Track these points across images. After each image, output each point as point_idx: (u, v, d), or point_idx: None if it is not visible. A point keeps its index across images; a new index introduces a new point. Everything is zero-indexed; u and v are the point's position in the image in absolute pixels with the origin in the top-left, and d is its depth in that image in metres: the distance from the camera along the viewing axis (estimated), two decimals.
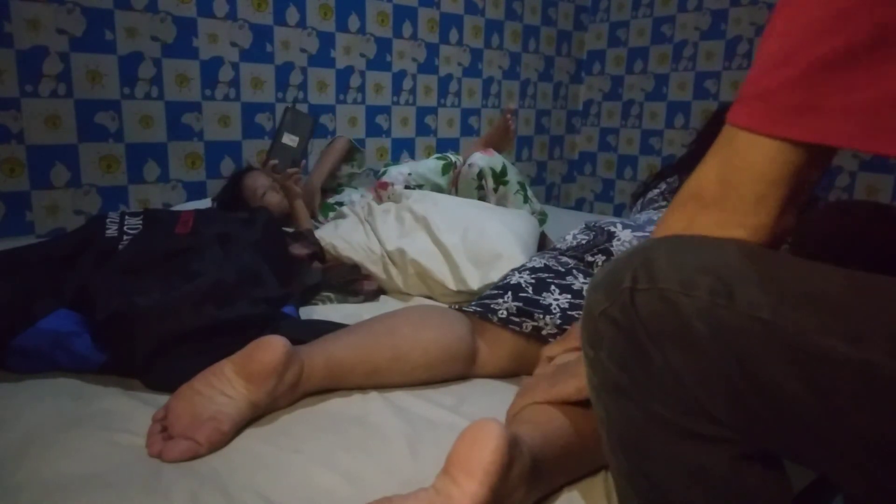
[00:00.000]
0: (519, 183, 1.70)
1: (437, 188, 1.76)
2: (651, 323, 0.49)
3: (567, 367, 0.78)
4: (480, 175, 1.67)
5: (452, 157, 1.80)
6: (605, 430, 0.57)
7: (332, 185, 2.08)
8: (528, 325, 0.97)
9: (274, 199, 1.80)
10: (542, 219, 1.72)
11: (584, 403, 0.75)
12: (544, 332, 0.97)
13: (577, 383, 0.75)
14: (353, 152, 2.10)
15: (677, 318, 0.48)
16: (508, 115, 1.91)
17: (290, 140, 1.75)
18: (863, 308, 0.43)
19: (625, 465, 0.56)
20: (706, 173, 0.53)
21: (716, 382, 0.47)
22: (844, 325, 0.43)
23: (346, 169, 2.10)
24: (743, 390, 0.46)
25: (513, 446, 0.64)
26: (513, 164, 1.75)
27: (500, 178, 1.67)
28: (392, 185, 1.68)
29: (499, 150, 1.83)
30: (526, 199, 1.69)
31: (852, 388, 0.42)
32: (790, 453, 0.49)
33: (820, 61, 0.45)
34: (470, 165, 1.69)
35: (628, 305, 0.50)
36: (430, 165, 1.77)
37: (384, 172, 1.76)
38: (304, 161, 1.82)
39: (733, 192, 0.51)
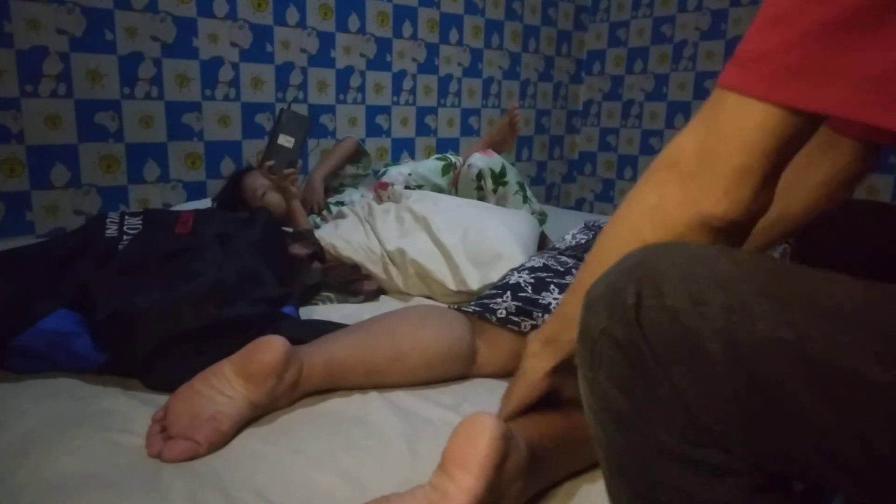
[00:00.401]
0: (518, 183, 1.70)
1: (437, 189, 1.76)
2: (658, 344, 0.44)
3: (517, 374, 0.75)
4: (479, 176, 1.67)
5: (452, 158, 1.80)
6: (603, 453, 0.52)
7: (335, 185, 2.08)
8: (528, 325, 0.98)
9: (274, 199, 1.80)
10: (541, 219, 1.72)
11: (553, 401, 0.73)
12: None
13: (523, 384, 0.71)
14: (360, 154, 2.11)
15: (688, 338, 0.43)
16: (515, 113, 1.91)
17: (285, 141, 1.76)
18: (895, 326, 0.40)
19: (625, 493, 0.52)
20: (685, 141, 0.49)
21: (730, 408, 0.43)
22: (878, 345, 0.39)
23: (350, 169, 2.10)
24: (761, 416, 0.42)
25: (507, 439, 0.64)
26: (512, 164, 1.75)
27: (499, 178, 1.67)
28: (392, 185, 1.68)
29: (499, 151, 1.83)
30: (525, 200, 1.69)
31: (888, 413, 0.39)
32: (809, 478, 0.45)
33: (826, 21, 0.41)
34: (469, 166, 1.69)
35: (633, 324, 0.45)
36: (430, 166, 1.77)
37: (384, 172, 1.76)
38: (300, 162, 1.82)
39: (714, 161, 0.46)
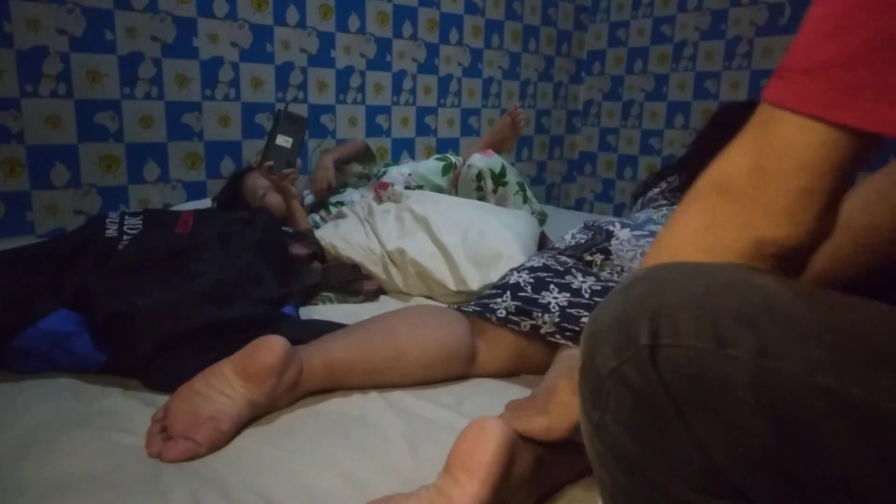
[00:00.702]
0: (518, 184, 1.70)
1: (438, 189, 1.76)
2: (677, 389, 0.40)
3: (536, 400, 0.71)
4: (479, 176, 1.67)
5: (453, 158, 1.80)
6: (609, 498, 0.48)
7: (340, 183, 2.08)
8: (527, 324, 0.98)
9: (274, 199, 1.80)
10: (541, 219, 1.73)
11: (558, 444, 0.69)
12: (542, 331, 0.97)
13: (544, 422, 0.67)
14: (367, 156, 2.11)
15: (712, 383, 0.39)
16: (517, 112, 1.89)
17: (284, 141, 1.76)
18: None
19: None
20: (735, 160, 0.44)
21: (758, 459, 0.39)
22: None
23: (356, 168, 2.09)
24: (793, 468, 0.38)
25: (514, 445, 0.63)
26: (512, 164, 1.75)
27: (499, 179, 1.68)
28: (392, 185, 1.68)
29: (500, 150, 1.83)
30: (525, 200, 1.69)
31: None
32: None
33: (891, 30, 0.37)
34: (469, 166, 1.69)
35: (648, 366, 0.41)
36: (430, 166, 1.78)
37: (384, 173, 1.76)
38: (299, 162, 1.82)
39: (771, 182, 0.42)
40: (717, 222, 0.45)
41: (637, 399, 0.42)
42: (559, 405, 0.67)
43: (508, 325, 0.99)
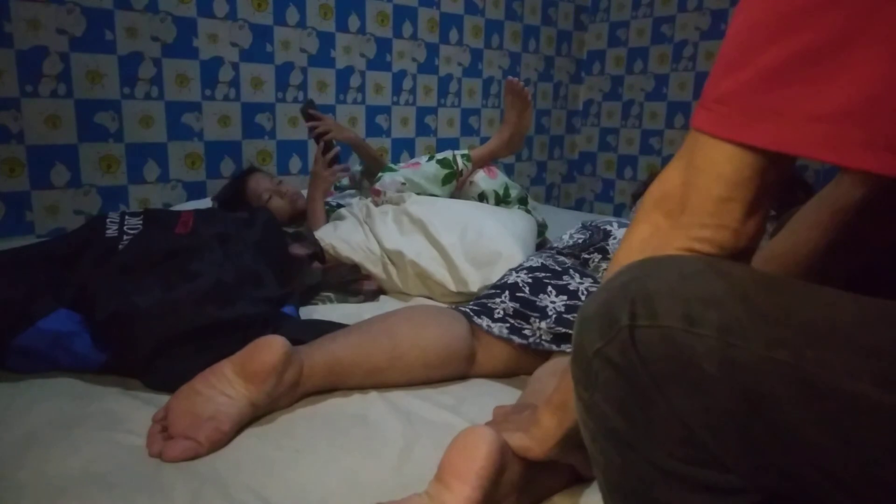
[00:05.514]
0: (520, 199, 1.70)
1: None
2: (654, 364, 0.45)
3: (522, 417, 0.73)
4: (482, 196, 1.67)
5: (460, 163, 1.66)
6: (601, 473, 0.52)
7: (345, 186, 2.08)
8: (517, 341, 0.98)
9: (277, 204, 1.79)
10: (541, 230, 1.72)
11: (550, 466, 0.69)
12: (531, 341, 0.97)
13: (524, 442, 0.67)
14: (373, 171, 2.05)
15: (683, 358, 0.44)
16: (519, 88, 1.67)
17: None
18: (893, 346, 0.39)
19: None
20: (670, 177, 0.52)
21: (728, 427, 0.43)
22: (873, 365, 0.39)
23: (365, 184, 2.01)
24: (759, 437, 0.43)
25: (504, 453, 0.64)
26: (512, 165, 1.73)
27: (502, 200, 1.67)
28: (384, 193, 1.64)
29: (522, 127, 1.71)
30: (528, 213, 1.69)
31: (887, 436, 0.39)
32: (808, 496, 0.45)
33: (777, 63, 0.43)
34: (471, 183, 1.68)
35: (628, 345, 0.45)
36: (428, 173, 1.65)
37: (379, 178, 1.70)
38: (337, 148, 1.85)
39: (695, 193, 0.49)
40: (660, 228, 0.52)
41: (620, 375, 0.46)
42: (539, 428, 0.67)
43: (503, 338, 0.99)
